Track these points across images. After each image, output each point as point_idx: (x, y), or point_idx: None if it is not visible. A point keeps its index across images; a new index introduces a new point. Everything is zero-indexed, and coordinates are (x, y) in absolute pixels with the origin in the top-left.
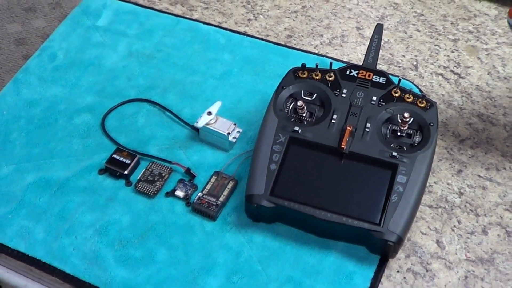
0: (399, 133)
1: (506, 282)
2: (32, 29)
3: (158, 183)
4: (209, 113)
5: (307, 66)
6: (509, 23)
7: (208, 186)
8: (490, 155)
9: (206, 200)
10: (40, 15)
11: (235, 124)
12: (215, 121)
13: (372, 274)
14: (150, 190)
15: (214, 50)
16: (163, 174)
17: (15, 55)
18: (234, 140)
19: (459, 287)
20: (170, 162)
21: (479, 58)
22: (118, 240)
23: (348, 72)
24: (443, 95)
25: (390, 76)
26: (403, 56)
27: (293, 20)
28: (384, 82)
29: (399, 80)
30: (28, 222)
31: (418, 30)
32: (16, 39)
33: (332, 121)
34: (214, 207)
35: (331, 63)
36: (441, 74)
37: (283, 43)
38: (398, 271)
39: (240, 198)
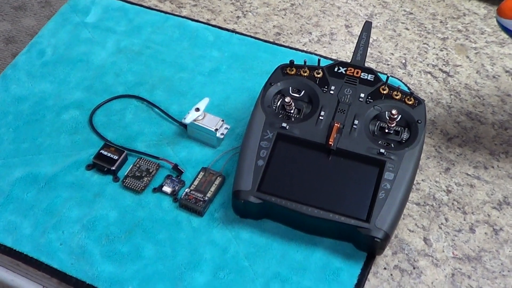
0: (386, 130)
1: (493, 280)
2: (22, 28)
3: (146, 179)
4: (197, 109)
5: (295, 63)
6: (498, 22)
7: (196, 182)
8: (478, 153)
9: (194, 196)
10: (30, 14)
11: (223, 121)
12: (203, 118)
13: (359, 270)
14: (137, 186)
15: (203, 47)
16: (151, 170)
17: (5, 54)
18: (222, 137)
19: (446, 284)
20: (157, 158)
21: (468, 57)
22: (105, 235)
23: (336, 69)
24: (431, 93)
25: (378, 73)
26: (392, 54)
27: (282, 17)
28: (372, 79)
29: (387, 77)
30: (15, 217)
31: (407, 29)
32: (5, 37)
33: (320, 117)
34: (201, 203)
35: (319, 60)
36: (429, 73)
37: (271, 40)
38: (385, 268)
39: (228, 194)
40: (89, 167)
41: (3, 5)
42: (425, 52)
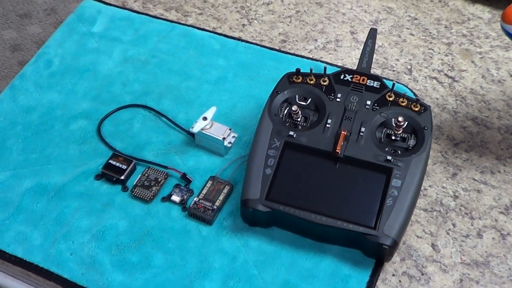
0: (393, 137)
1: (501, 285)
2: (28, 35)
3: (154, 188)
4: (205, 118)
5: (301, 70)
6: (502, 28)
7: (204, 191)
8: (484, 158)
9: (202, 204)
10: (35, 21)
11: (230, 129)
12: (211, 126)
13: (368, 277)
14: (146, 195)
15: (209, 55)
16: (159, 179)
17: (11, 61)
18: (229, 145)
19: None
20: (166, 167)
21: (473, 62)
22: (115, 245)
23: (342, 76)
24: (437, 98)
25: (384, 80)
26: (397, 60)
27: (287, 25)
28: (378, 86)
29: (393, 84)
30: (25, 227)
31: (412, 34)
32: (11, 45)
33: (327, 125)
34: (210, 211)
35: (325, 68)
36: (435, 78)
37: (277, 48)
38: (393, 275)
39: (236, 202)
40: (98, 177)
41: (8, 13)
42: (430, 57)
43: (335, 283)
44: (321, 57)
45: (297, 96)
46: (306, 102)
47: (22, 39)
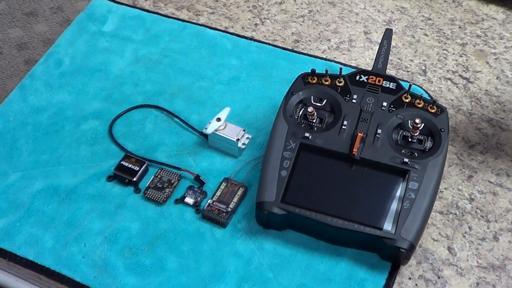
0: (410, 139)
1: None
2: (34, 34)
3: (167, 190)
4: (218, 119)
5: (315, 71)
6: None
7: (218, 193)
8: (500, 161)
9: (216, 207)
10: (41, 20)
11: (244, 130)
12: (224, 128)
13: (384, 281)
14: (159, 197)
15: (221, 55)
16: (172, 181)
17: (17, 60)
18: (243, 147)
19: None
20: (179, 168)
21: (487, 63)
22: (128, 247)
23: (358, 77)
24: (452, 100)
25: (400, 81)
26: (411, 60)
27: (300, 24)
28: (394, 88)
29: (410, 85)
30: (37, 230)
31: (426, 35)
32: (18, 43)
33: (343, 127)
34: (224, 214)
35: (341, 69)
36: (449, 79)
37: (290, 48)
38: (409, 278)
39: (250, 204)
40: (110, 178)
41: (14, 11)
42: (445, 58)
43: (351, 287)
44: (335, 57)
45: (312, 97)
46: (321, 103)
47: (29, 37)
